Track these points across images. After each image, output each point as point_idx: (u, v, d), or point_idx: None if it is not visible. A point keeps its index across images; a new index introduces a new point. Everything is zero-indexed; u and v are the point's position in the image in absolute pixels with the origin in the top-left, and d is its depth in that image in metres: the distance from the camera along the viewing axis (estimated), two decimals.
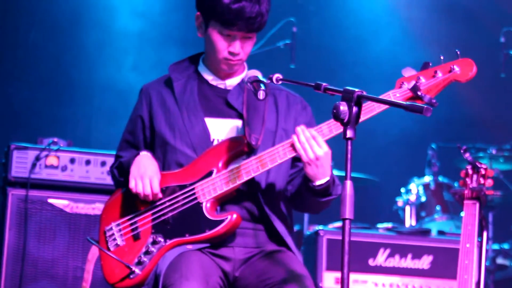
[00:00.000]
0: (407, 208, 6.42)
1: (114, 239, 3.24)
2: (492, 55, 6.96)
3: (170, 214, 3.18)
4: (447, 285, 5.13)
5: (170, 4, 7.73)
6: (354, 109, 2.68)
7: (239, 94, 3.28)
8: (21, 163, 4.88)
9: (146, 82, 3.41)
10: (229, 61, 3.23)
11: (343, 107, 2.68)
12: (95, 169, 4.93)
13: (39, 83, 7.42)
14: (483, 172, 3.81)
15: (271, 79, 3.03)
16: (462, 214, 3.82)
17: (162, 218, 3.19)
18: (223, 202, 3.18)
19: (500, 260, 6.28)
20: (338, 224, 5.56)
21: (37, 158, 4.87)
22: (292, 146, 3.07)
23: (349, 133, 2.68)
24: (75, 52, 7.57)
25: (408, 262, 5.18)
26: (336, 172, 3.24)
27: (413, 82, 3.03)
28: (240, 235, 3.19)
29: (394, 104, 2.75)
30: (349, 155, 2.66)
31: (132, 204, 3.24)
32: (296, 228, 6.20)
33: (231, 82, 3.31)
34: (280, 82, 3.03)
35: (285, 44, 6.58)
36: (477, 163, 3.83)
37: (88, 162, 4.93)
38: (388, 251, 5.18)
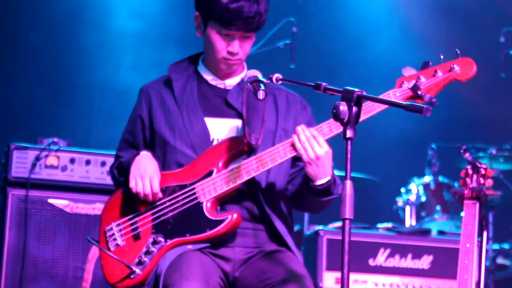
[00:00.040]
0: (407, 208, 6.42)
1: (115, 239, 3.24)
2: (492, 55, 6.96)
3: (170, 214, 3.18)
4: (447, 285, 5.13)
5: (169, 4, 7.73)
6: (354, 109, 2.68)
7: (238, 94, 3.28)
8: (21, 163, 4.88)
9: (145, 82, 3.41)
10: (228, 60, 3.23)
11: (343, 107, 2.68)
12: (95, 169, 4.93)
13: (39, 83, 7.43)
14: (483, 172, 3.81)
15: (271, 79, 3.03)
16: (462, 214, 3.82)
17: (163, 218, 3.19)
18: (223, 202, 3.18)
19: (500, 260, 6.28)
20: (338, 224, 5.56)
21: (37, 158, 4.87)
22: (293, 145, 3.07)
23: (349, 133, 2.68)
24: (75, 52, 7.57)
25: (408, 262, 5.18)
26: (336, 172, 3.24)
27: (413, 82, 3.03)
28: (240, 235, 3.19)
29: (394, 104, 2.75)
30: (349, 155, 2.66)
31: (132, 204, 3.24)
32: (296, 228, 6.20)
33: (231, 82, 3.32)
34: (280, 82, 3.03)
35: (285, 44, 6.58)
36: (477, 163, 3.83)
37: (88, 162, 4.93)
38: (388, 251, 5.18)
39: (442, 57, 3.06)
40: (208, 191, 3.15)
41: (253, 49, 6.21)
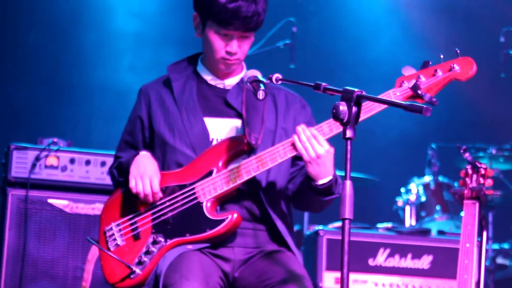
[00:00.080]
0: (407, 208, 6.42)
1: (114, 239, 3.24)
2: (492, 55, 6.96)
3: (170, 214, 3.18)
4: (447, 285, 5.13)
5: (168, 4, 7.73)
6: (354, 109, 2.68)
7: (238, 93, 3.28)
8: (21, 163, 4.88)
9: (145, 83, 3.41)
10: (226, 60, 3.23)
11: (343, 107, 2.68)
12: (95, 169, 4.93)
13: (39, 83, 7.43)
14: (483, 172, 3.81)
15: (270, 79, 3.03)
16: (462, 214, 3.81)
17: (162, 218, 3.19)
18: (223, 201, 3.18)
19: (500, 260, 6.28)
20: (338, 224, 5.56)
21: (37, 158, 4.87)
22: (293, 145, 3.07)
23: (349, 133, 2.68)
24: (75, 52, 7.57)
25: (408, 262, 5.18)
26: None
27: (413, 81, 3.03)
28: (240, 235, 3.19)
29: (394, 104, 2.75)
30: (348, 155, 2.66)
31: (132, 204, 3.24)
32: (296, 228, 6.20)
33: (230, 82, 3.32)
34: (279, 82, 3.03)
35: (285, 44, 6.57)
36: (477, 163, 3.83)
37: (88, 162, 4.93)
38: (388, 251, 5.18)
39: (442, 56, 3.06)
40: (208, 191, 3.15)
41: (253, 49, 6.21)
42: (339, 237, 2.64)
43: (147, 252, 3.17)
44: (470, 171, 3.83)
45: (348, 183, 2.66)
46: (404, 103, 2.69)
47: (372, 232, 5.36)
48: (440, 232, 5.53)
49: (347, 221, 2.65)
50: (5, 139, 5.27)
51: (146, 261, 3.17)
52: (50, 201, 4.84)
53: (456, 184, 6.27)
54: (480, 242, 3.85)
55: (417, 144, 7.36)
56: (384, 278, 5.15)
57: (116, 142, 3.44)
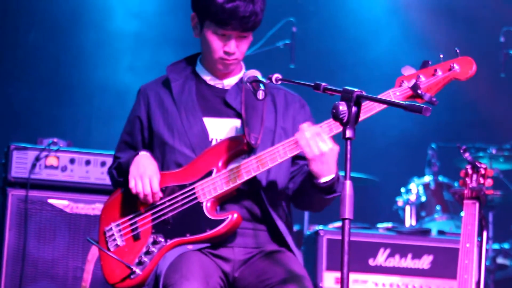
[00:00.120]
0: (407, 208, 6.42)
1: (114, 240, 3.24)
2: (492, 55, 6.96)
3: (170, 214, 3.18)
4: (447, 285, 5.13)
5: (168, 4, 7.73)
6: (353, 109, 2.68)
7: (237, 93, 3.28)
8: (21, 163, 4.87)
9: (144, 83, 3.41)
10: (225, 60, 3.23)
11: (342, 107, 2.68)
12: (95, 169, 4.93)
13: (39, 83, 7.43)
14: (482, 171, 3.81)
15: (270, 79, 3.03)
16: (462, 214, 3.81)
17: (162, 218, 3.19)
18: (223, 201, 3.18)
19: (500, 260, 6.28)
20: (338, 224, 5.56)
21: (37, 159, 4.87)
22: (297, 142, 3.06)
23: (349, 133, 2.68)
24: (75, 52, 7.57)
25: (408, 262, 5.18)
26: None
27: (413, 81, 3.03)
28: (240, 235, 3.19)
29: (394, 104, 2.75)
30: (348, 155, 2.66)
31: (132, 204, 3.23)
32: (296, 228, 6.20)
33: (229, 82, 3.32)
34: (279, 82, 3.03)
35: (285, 44, 6.57)
36: (476, 163, 3.83)
37: (88, 163, 4.93)
38: (388, 251, 5.17)
39: (441, 56, 3.06)
40: (208, 191, 3.15)
41: (253, 49, 6.21)
42: (339, 237, 2.63)
43: (147, 252, 3.17)
44: (470, 171, 3.83)
45: (348, 183, 2.66)
46: (403, 103, 2.69)
47: (372, 232, 5.36)
48: (440, 232, 5.53)
49: (347, 221, 2.65)
50: (5, 139, 5.27)
51: (146, 261, 3.17)
52: (50, 201, 4.84)
53: (456, 184, 6.27)
54: (480, 242, 3.85)
55: (417, 144, 7.36)
56: (384, 278, 5.15)
57: (116, 142, 3.44)
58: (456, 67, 3.03)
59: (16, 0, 7.48)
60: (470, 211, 3.76)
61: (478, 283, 3.83)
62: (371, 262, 5.16)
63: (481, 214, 3.78)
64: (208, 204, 3.15)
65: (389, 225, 5.53)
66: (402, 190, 6.54)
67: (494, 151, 6.40)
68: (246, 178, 3.11)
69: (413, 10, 8.05)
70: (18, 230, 4.78)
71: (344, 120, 2.68)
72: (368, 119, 3.06)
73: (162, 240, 3.17)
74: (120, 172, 3.29)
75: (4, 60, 7.36)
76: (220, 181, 3.14)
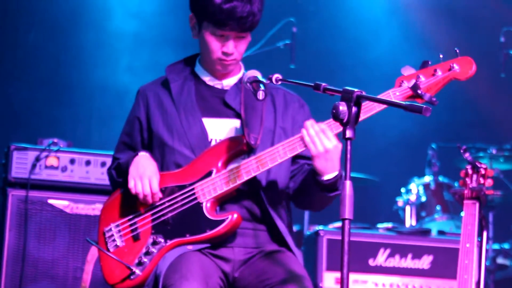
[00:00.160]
0: (407, 208, 6.42)
1: (114, 240, 3.24)
2: (492, 55, 6.96)
3: (170, 215, 3.18)
4: (447, 285, 5.13)
5: (167, 5, 7.72)
6: (354, 109, 2.68)
7: (236, 94, 3.28)
8: (21, 163, 4.87)
9: (144, 83, 3.41)
10: (223, 61, 3.23)
11: (343, 107, 2.68)
12: (95, 169, 4.93)
13: (39, 83, 7.43)
14: (483, 172, 3.81)
15: (270, 79, 3.03)
16: (462, 214, 3.81)
17: (162, 218, 3.19)
18: (222, 202, 3.18)
19: (500, 260, 6.28)
20: (338, 224, 5.56)
21: (37, 159, 4.87)
22: (294, 143, 3.06)
23: (349, 133, 2.68)
24: (75, 52, 7.57)
25: (408, 262, 5.17)
26: None
27: (413, 81, 3.03)
28: (240, 235, 3.19)
29: (394, 104, 2.75)
30: (348, 155, 2.66)
31: (131, 204, 3.23)
32: (296, 228, 6.20)
33: (228, 82, 3.32)
34: (279, 83, 3.03)
35: (285, 44, 6.57)
36: (477, 163, 3.83)
37: (88, 163, 4.93)
38: (388, 251, 5.17)
39: (441, 56, 3.06)
40: (207, 191, 3.15)
41: (253, 49, 6.21)
42: (339, 237, 2.63)
43: (147, 253, 3.17)
44: (470, 171, 3.83)
45: (348, 183, 2.66)
46: (403, 103, 2.69)
47: (372, 232, 5.36)
48: (440, 232, 5.53)
49: (347, 221, 2.65)
50: (5, 140, 5.27)
51: (146, 261, 3.16)
52: (50, 201, 4.84)
53: (456, 184, 6.27)
54: (480, 242, 3.85)
55: (417, 144, 7.36)
56: (384, 278, 5.15)
57: (116, 143, 3.44)
58: (456, 67, 3.03)
59: (16, 0, 7.48)
60: (470, 211, 3.76)
61: (478, 283, 3.83)
62: (371, 262, 5.16)
63: (481, 214, 3.78)
64: (208, 205, 3.15)
65: (389, 225, 5.53)
66: (402, 190, 6.54)
67: (494, 151, 6.40)
68: (246, 178, 3.11)
69: (413, 10, 8.05)
70: (18, 231, 4.78)
71: (344, 120, 2.68)
72: (368, 119, 3.06)
73: (162, 240, 3.17)
74: (119, 173, 3.29)
75: (4, 60, 7.36)
76: (220, 181, 3.14)
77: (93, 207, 4.86)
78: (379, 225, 5.59)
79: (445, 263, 5.13)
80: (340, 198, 2.68)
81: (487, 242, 6.06)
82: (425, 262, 5.17)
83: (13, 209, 4.80)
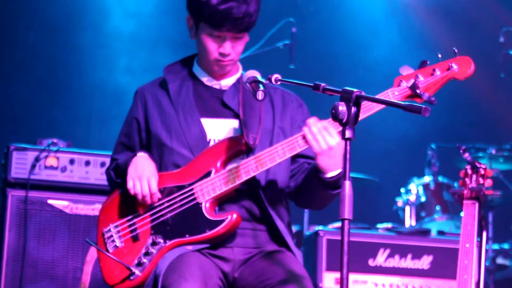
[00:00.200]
0: (407, 208, 6.42)
1: (113, 241, 3.24)
2: (491, 55, 6.96)
3: (169, 215, 3.18)
4: (447, 285, 5.13)
5: (165, 5, 7.72)
6: (353, 109, 2.68)
7: (234, 94, 3.28)
8: (20, 164, 4.87)
9: (143, 84, 3.41)
10: (220, 62, 3.23)
11: (342, 107, 2.68)
12: (95, 170, 4.93)
13: (39, 84, 7.43)
14: (482, 172, 3.81)
15: (270, 79, 3.03)
16: (462, 214, 3.81)
17: (161, 219, 3.19)
18: (221, 202, 3.18)
19: (500, 260, 6.28)
20: (338, 224, 5.55)
21: (37, 159, 4.87)
22: (304, 137, 3.04)
23: (348, 134, 2.68)
24: (75, 53, 7.57)
25: (408, 262, 5.17)
26: None
27: (412, 80, 3.03)
28: (240, 235, 3.19)
29: (393, 104, 2.75)
30: (347, 155, 2.66)
31: (130, 205, 3.23)
32: (296, 228, 6.20)
33: (226, 83, 3.32)
34: (279, 83, 3.03)
35: (285, 44, 6.57)
36: (476, 163, 3.83)
37: (87, 163, 4.93)
38: (388, 251, 5.17)
39: (440, 56, 3.06)
40: (207, 191, 3.15)
41: (253, 50, 6.21)
42: (339, 238, 2.63)
43: (147, 253, 3.17)
44: (469, 171, 3.82)
45: (348, 183, 2.65)
46: (403, 103, 2.68)
47: (372, 232, 5.35)
48: (440, 233, 5.53)
49: (346, 222, 2.65)
50: (5, 140, 5.27)
51: (145, 262, 3.16)
52: (50, 201, 4.84)
53: (455, 184, 6.27)
54: (480, 242, 3.85)
55: (416, 145, 7.36)
56: (384, 279, 5.14)
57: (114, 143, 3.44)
58: (455, 66, 3.03)
59: (16, 0, 7.48)
60: (470, 212, 3.76)
61: (478, 283, 3.83)
62: (371, 262, 5.15)
63: (480, 214, 3.77)
64: (207, 205, 3.15)
65: (389, 225, 5.53)
66: (402, 190, 6.54)
67: (493, 152, 6.40)
68: (245, 178, 3.11)
69: (412, 11, 8.05)
70: (18, 231, 4.78)
71: (344, 121, 2.68)
72: (367, 120, 3.06)
73: (161, 241, 3.17)
74: (118, 173, 3.29)
75: (3, 61, 7.36)
76: (219, 181, 3.14)
77: (92, 208, 4.86)
78: (379, 225, 5.59)
79: (445, 263, 5.13)
80: (340, 198, 2.67)
81: (486, 242, 6.06)
82: (424, 262, 5.17)
83: (12, 210, 4.79)
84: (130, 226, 3.22)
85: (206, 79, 3.32)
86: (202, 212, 3.14)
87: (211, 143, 3.22)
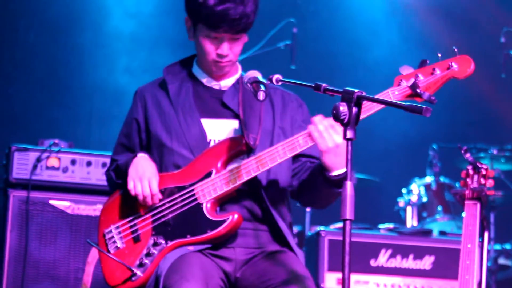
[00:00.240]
0: (409, 209, 6.42)
1: (114, 242, 3.24)
2: (492, 56, 6.96)
3: (170, 216, 3.18)
4: (449, 285, 5.13)
5: (165, 6, 7.72)
6: (354, 109, 2.68)
7: (234, 94, 3.29)
8: (22, 164, 4.87)
9: (143, 84, 3.41)
10: (218, 63, 3.24)
11: (343, 107, 2.68)
12: (96, 170, 4.93)
13: (40, 84, 7.43)
14: (484, 172, 3.81)
15: (271, 80, 3.03)
16: (463, 214, 3.81)
17: (163, 219, 3.19)
18: (222, 202, 3.18)
19: (502, 261, 6.28)
20: (340, 224, 5.55)
21: (38, 160, 4.87)
22: (309, 135, 3.04)
23: (349, 134, 2.68)
24: (75, 53, 7.57)
25: (409, 263, 5.17)
26: None
27: (412, 80, 3.03)
28: (241, 236, 3.18)
29: (394, 105, 2.75)
30: (349, 156, 2.66)
31: (131, 206, 3.23)
32: (297, 228, 6.20)
33: (226, 83, 3.32)
34: (280, 83, 3.03)
35: (285, 45, 6.56)
36: (478, 164, 3.83)
37: (89, 164, 4.93)
38: (389, 251, 5.17)
39: (439, 55, 3.06)
40: (208, 192, 3.15)
41: (253, 50, 6.21)
42: (341, 238, 2.63)
43: (148, 254, 3.17)
44: (471, 172, 3.82)
45: (349, 183, 2.65)
46: (404, 103, 2.68)
47: (373, 232, 5.35)
48: (442, 233, 5.53)
49: (348, 222, 2.64)
50: (6, 141, 5.27)
51: (147, 263, 3.16)
52: (52, 202, 4.84)
53: (457, 185, 6.27)
54: (482, 243, 3.85)
55: (418, 145, 7.36)
56: (385, 279, 5.14)
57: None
58: (455, 65, 3.03)
59: (16, 0, 7.48)
60: (472, 212, 3.76)
61: (479, 283, 3.83)
62: (372, 262, 5.15)
63: (482, 214, 3.77)
64: (208, 205, 3.15)
65: (391, 225, 5.53)
66: (404, 190, 6.54)
67: (495, 152, 6.40)
68: (246, 178, 3.11)
69: (413, 11, 8.05)
70: (19, 231, 4.78)
71: (345, 121, 2.68)
72: (369, 120, 3.06)
73: (163, 241, 3.16)
74: (118, 174, 3.29)
75: (4, 61, 7.36)
76: (220, 182, 3.14)
77: (94, 208, 4.86)
78: (381, 226, 5.59)
79: (447, 263, 5.13)
80: (341, 199, 2.67)
81: (488, 243, 6.05)
82: (426, 262, 5.17)
83: (14, 210, 4.80)
84: (131, 227, 3.22)
85: (205, 80, 3.33)
86: (203, 212, 3.14)
87: (211, 144, 3.22)
